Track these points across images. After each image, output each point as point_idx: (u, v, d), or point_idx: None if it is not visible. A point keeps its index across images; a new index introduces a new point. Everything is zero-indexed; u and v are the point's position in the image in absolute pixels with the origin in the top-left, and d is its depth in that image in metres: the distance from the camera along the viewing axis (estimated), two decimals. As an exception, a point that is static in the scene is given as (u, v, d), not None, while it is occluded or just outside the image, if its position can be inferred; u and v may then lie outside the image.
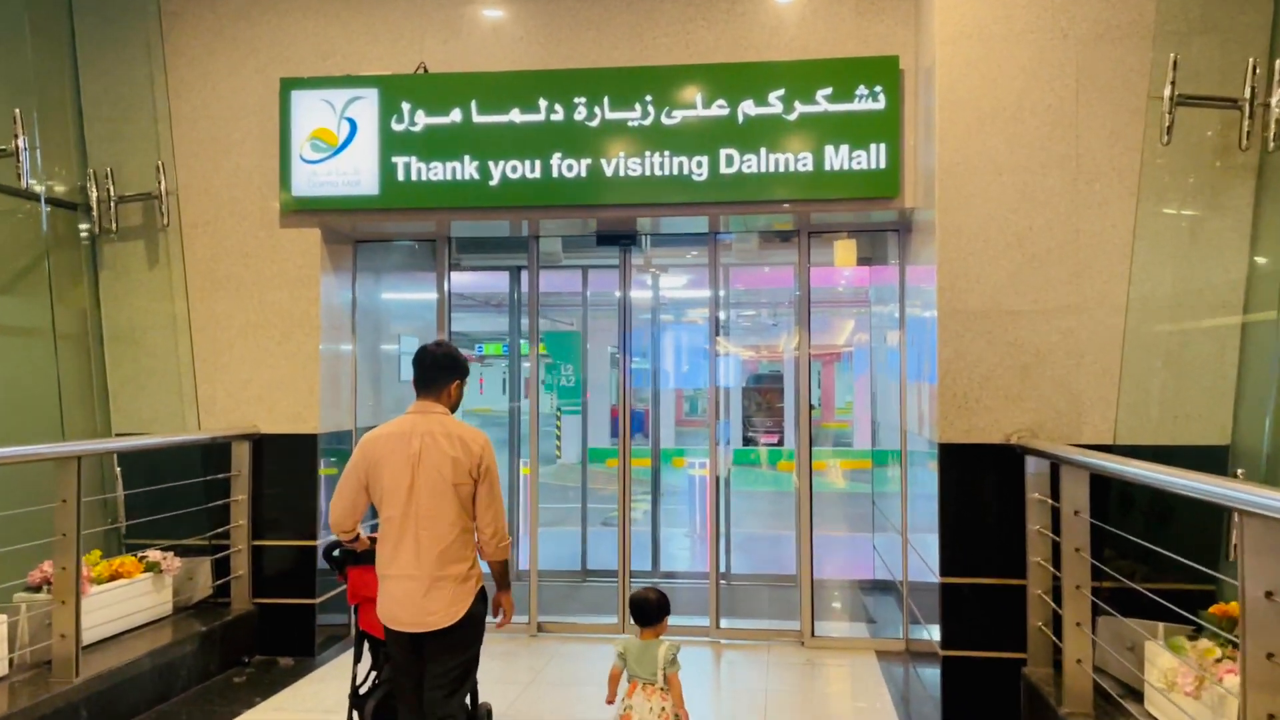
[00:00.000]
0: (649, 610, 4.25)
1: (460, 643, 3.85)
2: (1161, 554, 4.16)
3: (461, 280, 9.73)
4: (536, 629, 7.11)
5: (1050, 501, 4.91)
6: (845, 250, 7.43)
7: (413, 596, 3.76)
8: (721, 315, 8.94)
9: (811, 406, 7.65)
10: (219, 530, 6.28)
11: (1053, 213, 5.19)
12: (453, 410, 4.01)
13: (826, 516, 11.22)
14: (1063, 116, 5.21)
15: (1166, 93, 4.73)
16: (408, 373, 7.32)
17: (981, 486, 5.19)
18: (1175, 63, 4.70)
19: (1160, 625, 4.32)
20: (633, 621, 4.31)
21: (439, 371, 3.97)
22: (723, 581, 8.85)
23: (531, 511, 7.37)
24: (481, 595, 3.92)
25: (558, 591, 8.51)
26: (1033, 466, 5.01)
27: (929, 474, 5.70)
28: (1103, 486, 4.68)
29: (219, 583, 6.34)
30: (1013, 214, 5.22)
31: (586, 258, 8.61)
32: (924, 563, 5.95)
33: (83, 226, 6.49)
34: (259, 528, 6.38)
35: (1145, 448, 5.00)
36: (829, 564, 8.96)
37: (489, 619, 4.06)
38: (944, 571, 5.21)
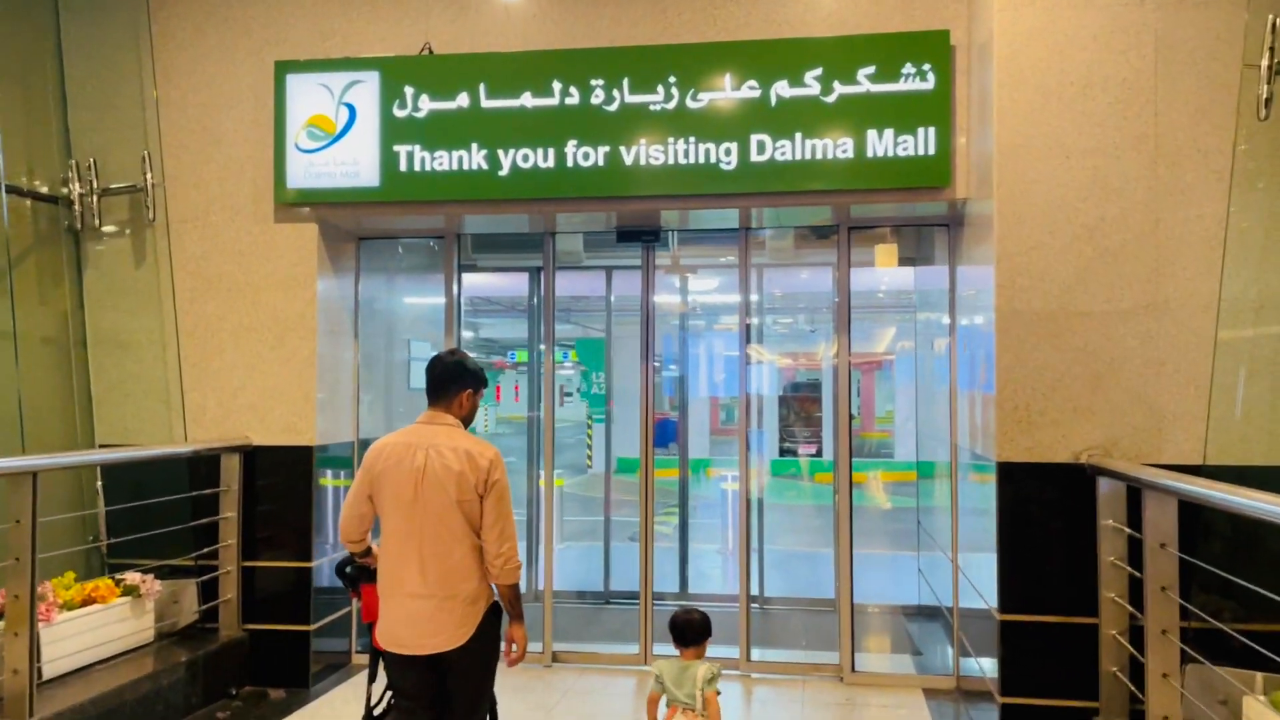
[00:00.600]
0: (692, 632, 4.14)
1: (469, 669, 3.58)
2: (1259, 593, 3.54)
3: (485, 282, 9.26)
4: (551, 659, 6.55)
5: (1126, 530, 4.30)
6: (886, 250, 6.87)
7: (417, 617, 3.53)
8: (755, 320, 8.39)
9: (851, 416, 7.11)
10: (207, 550, 5.80)
11: (1128, 200, 4.58)
12: (466, 422, 3.74)
13: (867, 533, 10.60)
14: (1139, 91, 4.59)
15: (1264, 61, 4.11)
16: (418, 380, 6.85)
17: (1046, 511, 4.58)
18: (1275, 25, 4.08)
19: (1258, 676, 3.73)
20: (673, 643, 4.17)
21: (449, 381, 3.72)
22: (754, 605, 8.28)
23: (547, 528, 6.81)
24: (494, 617, 3.65)
25: (578, 616, 7.96)
26: (1106, 489, 4.40)
27: (981, 492, 5.10)
28: (1182, 512, 4.06)
29: (206, 607, 5.85)
30: (1082, 202, 4.61)
31: (610, 258, 8.09)
32: (975, 589, 5.35)
33: (66, 222, 6.04)
34: (250, 547, 5.89)
35: (1238, 469, 4.36)
36: (869, 586, 8.33)
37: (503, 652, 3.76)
38: (1004, 607, 4.59)
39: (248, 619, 5.89)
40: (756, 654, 6.48)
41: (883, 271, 8.26)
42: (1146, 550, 3.84)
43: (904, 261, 7.64)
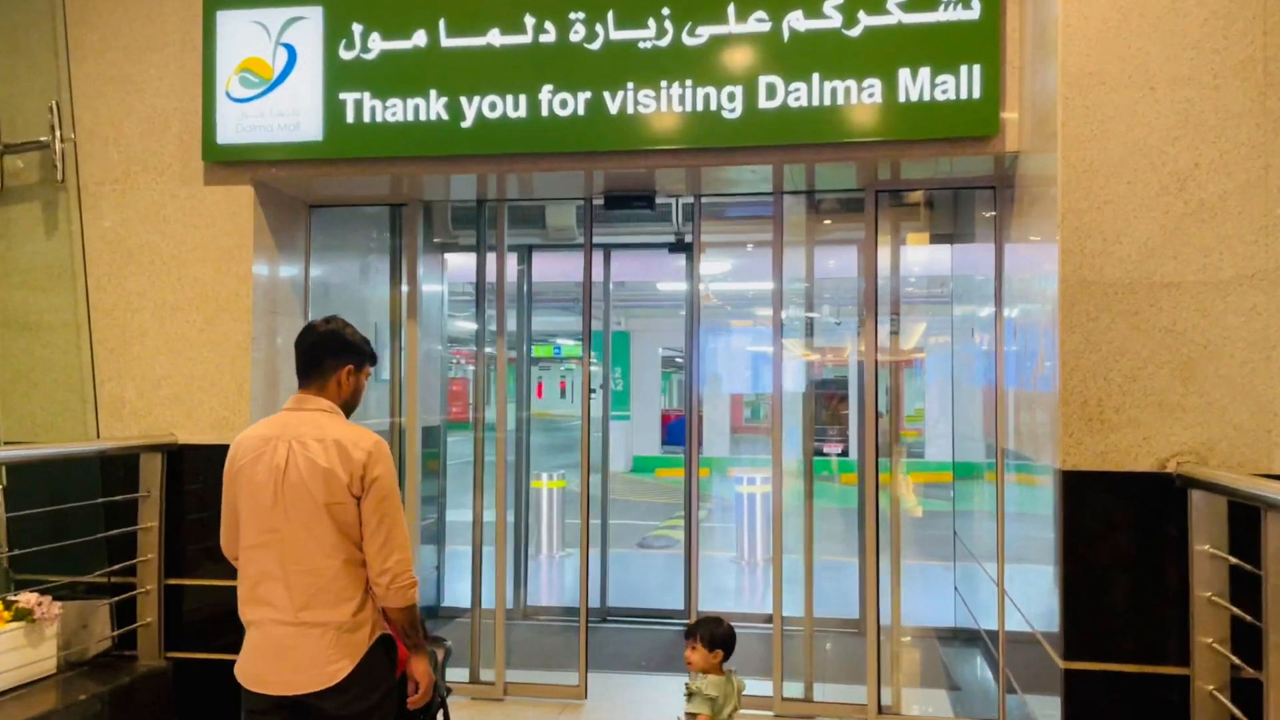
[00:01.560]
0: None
1: (351, 715, 2.93)
2: None
3: (467, 264, 8.42)
4: (503, 692, 5.69)
5: (1229, 558, 3.36)
6: (919, 225, 6.00)
7: (281, 648, 2.92)
8: (784, 313, 7.51)
9: (879, 414, 6.24)
10: (121, 566, 4.97)
11: (1230, 142, 3.63)
12: (349, 407, 3.14)
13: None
14: (1244, 4, 3.65)
15: None
16: (383, 372, 5.99)
17: (1122, 534, 3.64)
18: None
19: None
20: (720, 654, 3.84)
21: (323, 354, 3.07)
22: (769, 626, 7.36)
23: (498, 536, 5.89)
24: (386, 650, 3.03)
25: (567, 636, 7.07)
26: (1201, 506, 3.47)
27: (1033, 504, 4.18)
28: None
29: (122, 631, 5.02)
30: (1170, 145, 3.68)
31: (609, 233, 7.19)
32: (1023, 616, 4.45)
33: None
34: (174, 563, 5.05)
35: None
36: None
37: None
38: (1069, 653, 3.66)
39: (171, 646, 5.05)
40: (766, 686, 5.60)
41: (915, 253, 7.37)
42: (1269, 589, 2.90)
43: (938, 239, 6.75)
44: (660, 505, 15.15)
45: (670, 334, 20.19)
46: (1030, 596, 4.48)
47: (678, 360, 36.63)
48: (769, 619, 7.40)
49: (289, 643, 2.89)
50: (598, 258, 7.60)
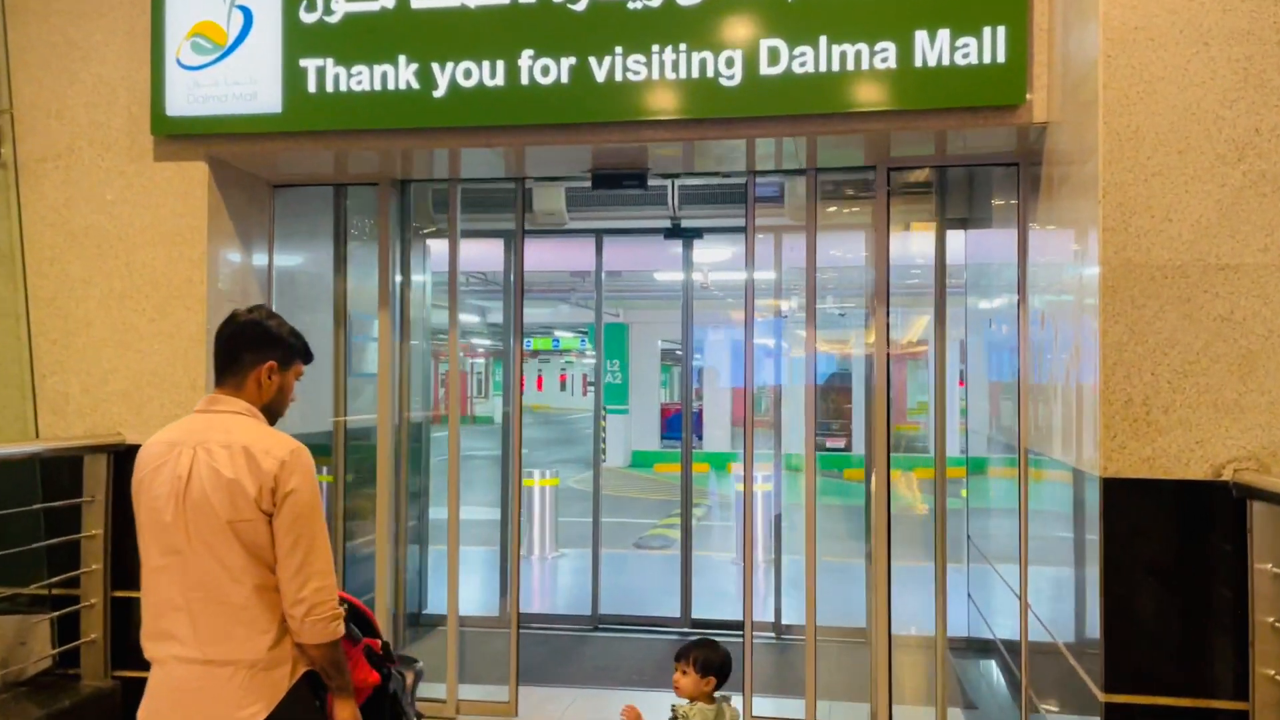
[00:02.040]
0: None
1: None
2: None
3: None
4: (455, 710, 5.27)
5: (1297, 579, 2.94)
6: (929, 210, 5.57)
7: (184, 689, 2.52)
8: (784, 304, 7.08)
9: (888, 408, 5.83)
10: (61, 578, 4.55)
11: (1296, 105, 3.20)
12: (273, 412, 2.73)
13: (900, 540, 9.24)
14: (1313, -51, 3.21)
15: None
16: (368, 365, 5.56)
17: (1172, 549, 3.21)
18: None
19: None
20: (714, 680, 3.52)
21: (240, 347, 2.68)
22: (769, 635, 6.95)
23: (451, 537, 5.44)
24: (309, 691, 2.59)
25: (553, 648, 6.64)
26: (1263, 519, 3.04)
27: (1055, 503, 3.76)
28: None
29: (64, 649, 4.60)
30: (1227, 108, 3.24)
31: (600, 217, 6.76)
32: (1045, 628, 4.05)
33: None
34: (121, 574, 4.62)
35: None
36: (905, 608, 6.96)
37: None
38: (1111, 684, 3.23)
39: (118, 664, 4.63)
40: (769, 706, 5.18)
41: (925, 239, 6.95)
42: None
43: (951, 224, 6.31)
44: (658, 502, 14.73)
45: (670, 326, 19.77)
46: (1057, 609, 4.07)
47: (678, 353, 36.30)
48: (772, 627, 7.00)
49: (193, 684, 2.49)
50: (588, 244, 7.18)
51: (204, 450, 2.53)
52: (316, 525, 2.54)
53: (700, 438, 21.57)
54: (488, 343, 36.98)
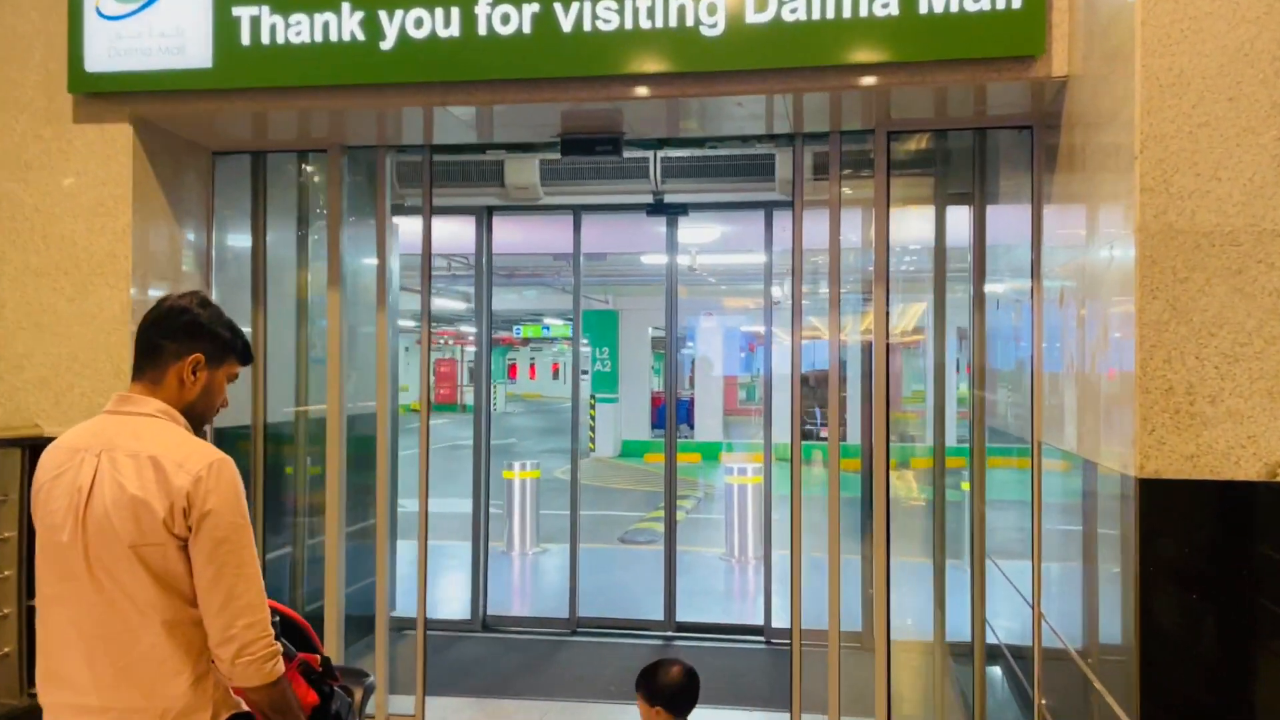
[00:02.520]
0: (693, 699, 3.10)
1: None
2: None
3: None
4: None
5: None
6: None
7: None
8: (776, 290, 6.65)
9: (882, 398, 5.45)
10: (-30, 585, 4.10)
11: (1367, 44, 2.75)
12: (197, 417, 2.32)
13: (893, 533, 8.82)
14: None
15: None
16: (318, 352, 5.09)
17: (1219, 563, 2.77)
18: None
19: None
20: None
21: (160, 336, 2.27)
22: (758, 639, 6.51)
23: (421, 539, 4.99)
24: None
25: (531, 654, 6.20)
26: (1327, 528, 2.60)
27: (1070, 499, 3.33)
28: None
29: (-27, 665, 4.16)
30: (1286, 48, 2.79)
31: (577, 192, 6.31)
32: (1057, 635, 3.62)
33: None
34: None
35: None
36: (899, 608, 6.53)
37: None
38: (1147, 712, 2.79)
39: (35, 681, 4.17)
40: (758, 722, 4.75)
41: (922, 218, 6.53)
42: None
43: (952, 199, 5.89)
44: (647, 494, 14.29)
45: (661, 312, 19.32)
46: (1071, 619, 3.64)
47: (672, 342, 35.90)
48: (760, 630, 6.56)
49: None
50: (566, 221, 6.72)
51: (109, 459, 2.14)
52: (244, 551, 2.14)
53: (692, 427, 21.16)
54: (476, 330, 36.63)
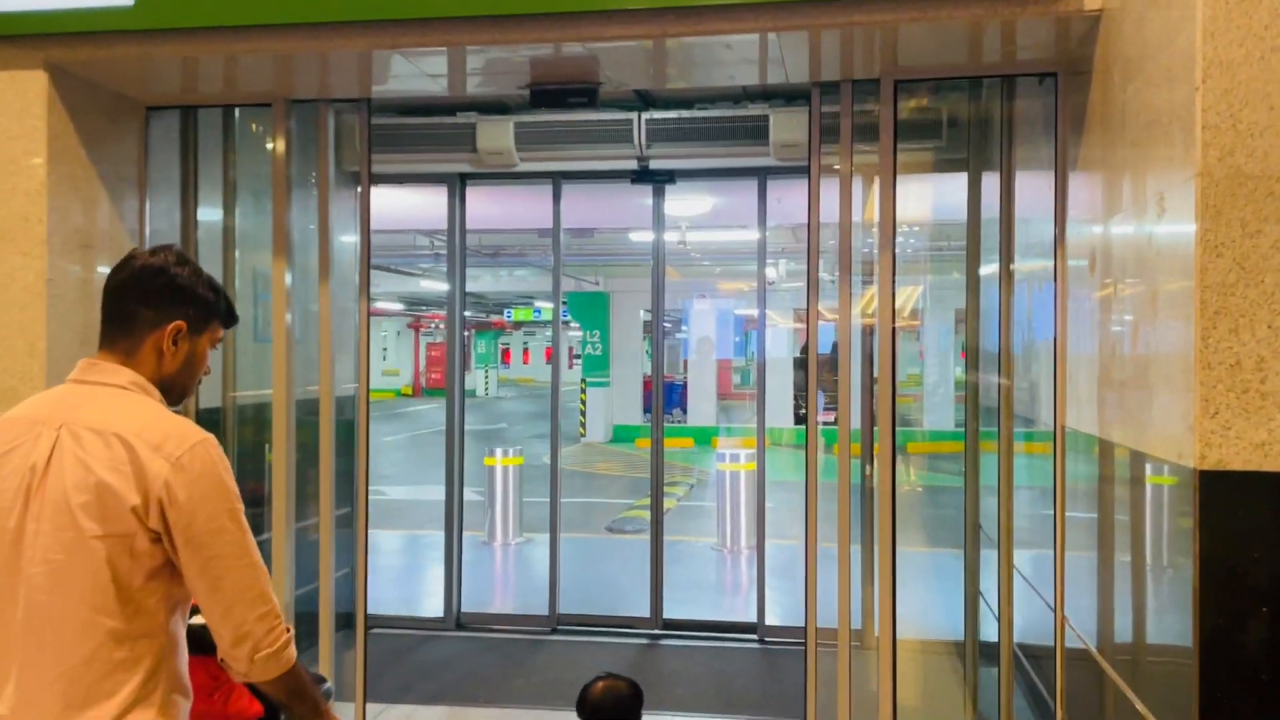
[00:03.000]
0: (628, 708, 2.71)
1: None
2: None
3: (386, 204, 7.10)
4: None
5: None
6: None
7: None
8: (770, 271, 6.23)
9: (874, 380, 5.08)
10: None
11: None
12: (174, 391, 2.07)
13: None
14: None
15: None
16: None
17: (1295, 567, 2.34)
18: None
19: None
20: None
21: (135, 300, 2.00)
22: (751, 639, 6.10)
23: (360, 532, 4.52)
24: None
25: (504, 655, 5.77)
26: None
27: (1094, 487, 2.90)
28: None
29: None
30: (1380, -45, 2.33)
31: (556, 157, 5.86)
32: (1080, 635, 3.19)
33: None
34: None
35: None
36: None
37: None
38: (1205, 749, 2.36)
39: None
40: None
41: (921, 186, 6.15)
42: None
43: (949, 166, 5.49)
44: (637, 481, 13.87)
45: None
46: (1097, 620, 3.23)
47: (665, 325, 35.44)
48: (753, 629, 6.15)
49: None
50: (546, 192, 6.26)
51: (70, 434, 1.87)
52: (244, 539, 1.92)
53: (685, 411, 20.79)
54: (469, 313, 36.10)
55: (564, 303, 26.39)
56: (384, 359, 41.35)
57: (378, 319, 38.39)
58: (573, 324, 23.17)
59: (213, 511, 1.88)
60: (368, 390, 4.31)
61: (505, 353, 47.87)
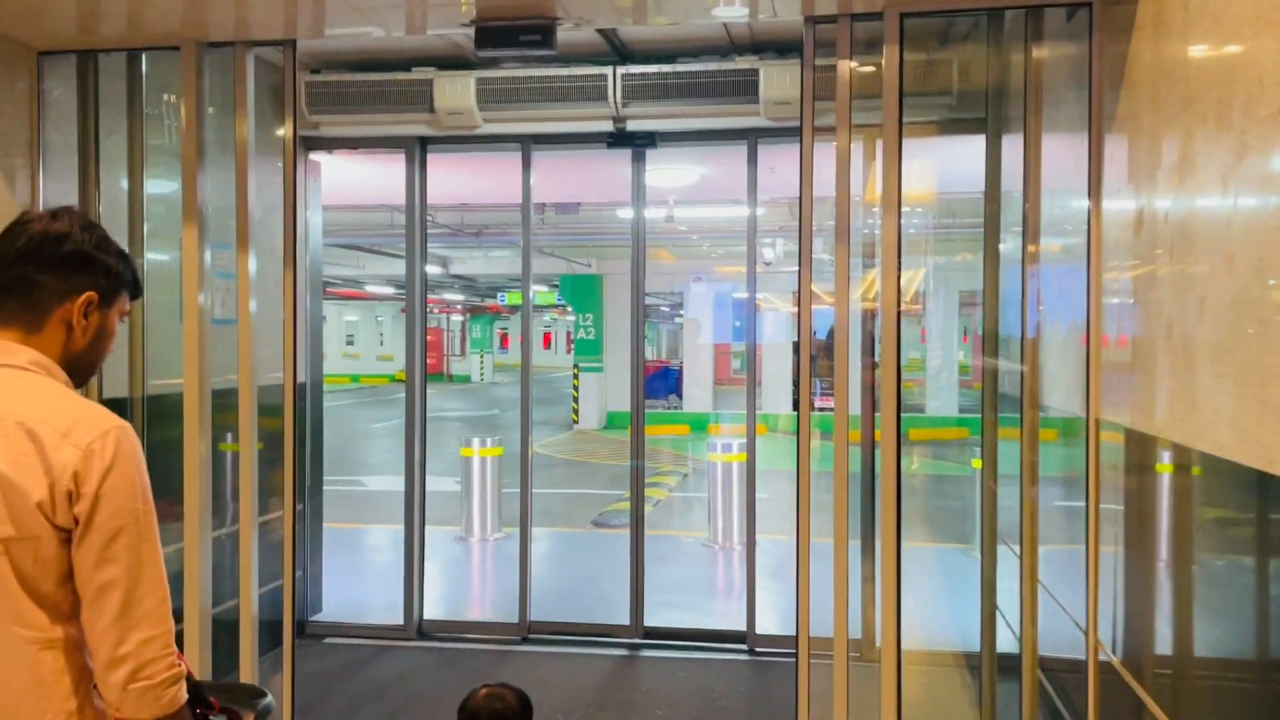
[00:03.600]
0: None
1: None
2: None
3: (340, 177, 6.57)
4: None
5: None
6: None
7: None
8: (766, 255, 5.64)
9: (874, 364, 4.81)
10: None
11: None
12: (79, 367, 1.84)
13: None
14: None
15: None
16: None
17: None
18: None
19: None
20: None
21: (34, 269, 1.77)
22: (740, 649, 5.58)
23: (286, 537, 3.98)
24: None
25: (471, 667, 5.25)
26: None
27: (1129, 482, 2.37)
28: None
29: None
30: None
31: (523, 118, 5.32)
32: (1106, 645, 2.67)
33: None
34: None
35: None
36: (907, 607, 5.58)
37: None
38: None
39: None
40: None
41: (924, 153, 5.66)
42: None
43: (960, 128, 4.99)
44: (628, 469, 13.34)
45: (651, 276, 18.41)
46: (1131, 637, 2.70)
47: (663, 308, 34.74)
48: (743, 637, 5.63)
49: None
50: (514, 155, 5.70)
51: None
52: (144, 546, 1.74)
53: (680, 397, 20.31)
54: (461, 298, 35.55)
55: (555, 285, 25.89)
56: (380, 344, 40.88)
57: (370, 304, 37.90)
58: (569, 309, 22.70)
59: (116, 509, 1.71)
60: (294, 380, 3.77)
61: (503, 338, 47.43)
